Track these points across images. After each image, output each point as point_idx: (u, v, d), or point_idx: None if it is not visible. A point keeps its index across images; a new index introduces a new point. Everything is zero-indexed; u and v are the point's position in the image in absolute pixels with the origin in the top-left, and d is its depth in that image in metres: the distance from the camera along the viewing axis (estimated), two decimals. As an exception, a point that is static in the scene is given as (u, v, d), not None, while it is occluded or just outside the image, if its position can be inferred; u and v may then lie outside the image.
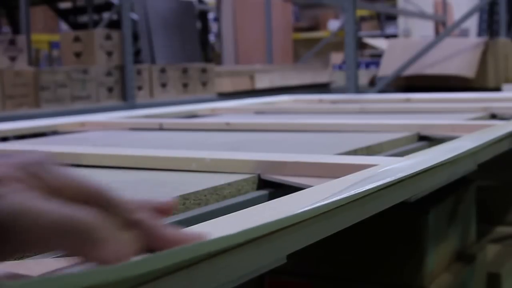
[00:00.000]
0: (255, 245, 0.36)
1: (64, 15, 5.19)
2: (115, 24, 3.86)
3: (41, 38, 5.69)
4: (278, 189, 0.63)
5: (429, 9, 5.95)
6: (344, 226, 0.45)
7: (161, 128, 1.21)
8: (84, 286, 0.25)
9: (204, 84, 3.61)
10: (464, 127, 0.98)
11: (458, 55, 3.26)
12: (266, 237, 0.37)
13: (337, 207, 0.45)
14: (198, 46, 3.89)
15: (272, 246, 0.37)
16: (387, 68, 3.46)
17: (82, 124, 1.30)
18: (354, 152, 0.81)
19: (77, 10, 5.04)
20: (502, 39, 3.53)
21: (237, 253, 0.35)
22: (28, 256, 0.43)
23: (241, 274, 0.34)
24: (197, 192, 0.57)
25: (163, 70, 3.40)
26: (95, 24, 4.53)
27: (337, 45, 5.26)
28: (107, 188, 0.33)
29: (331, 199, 0.45)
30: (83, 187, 0.33)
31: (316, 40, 6.05)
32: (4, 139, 1.51)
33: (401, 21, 6.83)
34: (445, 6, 5.51)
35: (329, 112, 1.54)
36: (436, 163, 0.61)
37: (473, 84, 3.14)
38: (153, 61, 3.50)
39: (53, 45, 5.73)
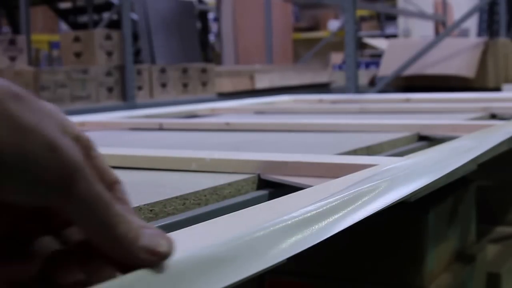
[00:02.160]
0: (256, 249, 0.36)
1: (64, 15, 5.19)
2: (115, 24, 3.86)
3: (41, 38, 5.69)
4: (278, 189, 0.63)
5: (429, 9, 5.95)
6: (344, 226, 0.45)
7: (161, 128, 1.21)
8: None
9: (204, 84, 3.61)
10: (464, 127, 0.98)
11: (458, 55, 3.26)
12: (266, 237, 0.37)
13: (337, 207, 0.45)
14: (198, 46, 3.89)
15: (272, 250, 0.37)
16: (387, 68, 3.46)
17: (82, 124, 1.30)
18: (354, 152, 0.81)
19: (77, 10, 5.04)
20: (502, 39, 3.53)
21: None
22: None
23: (241, 277, 0.34)
24: (197, 192, 0.57)
25: (163, 70, 3.40)
26: (95, 24, 4.53)
27: (337, 45, 5.26)
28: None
29: (331, 199, 0.45)
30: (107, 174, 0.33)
31: (316, 40, 6.05)
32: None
33: (401, 21, 6.83)
34: (445, 6, 5.50)
35: (329, 112, 1.54)
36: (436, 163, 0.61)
37: (473, 84, 3.14)
38: (153, 61, 3.50)
39: (53, 45, 5.73)
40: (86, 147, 0.31)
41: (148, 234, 0.30)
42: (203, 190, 0.57)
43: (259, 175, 0.65)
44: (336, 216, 0.44)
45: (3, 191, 0.27)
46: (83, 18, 4.92)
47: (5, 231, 0.30)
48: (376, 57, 5.07)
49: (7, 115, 0.26)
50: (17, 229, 0.30)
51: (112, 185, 0.32)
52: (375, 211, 0.48)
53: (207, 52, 4.52)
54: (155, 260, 0.29)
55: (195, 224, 0.40)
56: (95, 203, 0.28)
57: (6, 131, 0.26)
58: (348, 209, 0.46)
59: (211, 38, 5.54)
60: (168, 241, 0.30)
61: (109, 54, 3.20)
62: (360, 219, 0.46)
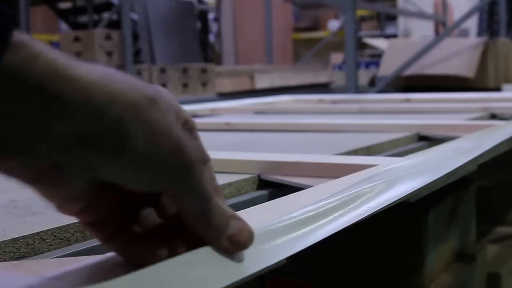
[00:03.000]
0: (256, 249, 0.36)
1: (64, 15, 5.20)
2: (115, 24, 3.86)
3: (41, 38, 5.69)
4: (278, 189, 0.63)
5: (429, 9, 5.95)
6: (344, 226, 0.45)
7: (161, 128, 1.21)
8: None
9: (204, 84, 3.61)
10: (464, 127, 0.98)
11: (458, 55, 3.26)
12: (267, 241, 0.37)
13: (337, 207, 0.45)
14: (198, 46, 3.89)
15: (273, 250, 0.37)
16: (387, 68, 3.46)
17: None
18: (354, 152, 0.81)
19: (77, 10, 5.04)
20: (502, 39, 3.53)
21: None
22: (27, 256, 0.43)
23: (241, 277, 0.34)
24: (197, 192, 0.56)
25: (163, 70, 3.40)
26: (95, 24, 4.53)
27: (337, 45, 5.26)
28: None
29: (331, 199, 0.45)
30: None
31: (316, 40, 6.04)
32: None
33: (401, 21, 6.83)
34: (445, 6, 5.50)
35: (329, 112, 1.54)
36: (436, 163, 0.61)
37: (473, 84, 3.14)
38: (153, 61, 3.50)
39: (53, 45, 5.73)
40: (192, 128, 0.35)
41: (235, 225, 0.34)
42: (203, 190, 0.57)
43: (259, 175, 0.65)
44: (336, 215, 0.44)
45: (132, 181, 0.31)
46: (83, 18, 4.92)
47: (119, 202, 0.34)
48: (376, 57, 5.07)
49: (145, 121, 0.30)
50: (128, 201, 0.35)
51: (205, 163, 0.35)
52: (375, 212, 0.48)
53: (207, 52, 4.51)
54: (235, 249, 0.34)
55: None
56: (201, 194, 0.33)
57: (144, 135, 0.30)
58: (348, 209, 0.46)
59: (211, 38, 5.54)
60: (250, 234, 0.34)
61: (109, 54, 3.20)
62: (360, 220, 0.46)
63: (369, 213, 0.47)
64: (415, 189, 0.55)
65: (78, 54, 3.24)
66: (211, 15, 5.70)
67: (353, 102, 1.81)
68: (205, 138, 0.37)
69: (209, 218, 0.33)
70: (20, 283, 0.33)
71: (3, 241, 0.42)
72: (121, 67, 3.20)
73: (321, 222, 0.42)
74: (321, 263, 1.04)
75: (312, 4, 7.14)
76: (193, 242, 0.34)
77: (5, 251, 0.42)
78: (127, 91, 0.30)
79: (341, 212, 0.45)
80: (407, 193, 0.53)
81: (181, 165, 0.32)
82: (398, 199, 0.51)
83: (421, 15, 5.41)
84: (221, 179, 0.62)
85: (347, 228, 0.46)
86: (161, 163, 0.31)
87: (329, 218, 0.43)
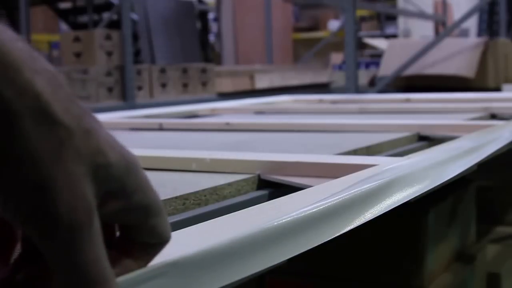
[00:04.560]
0: (256, 249, 0.36)
1: (64, 15, 5.19)
2: (115, 24, 3.86)
3: (41, 38, 5.69)
4: (278, 189, 0.63)
5: (429, 9, 5.95)
6: (344, 230, 0.45)
7: (161, 128, 1.21)
8: None
9: (204, 84, 3.60)
10: (464, 127, 0.98)
11: (458, 55, 3.26)
12: (267, 241, 0.37)
13: (337, 208, 0.45)
14: (198, 46, 3.89)
15: (273, 250, 0.37)
16: (387, 68, 3.45)
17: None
18: (354, 152, 0.81)
19: (77, 10, 5.03)
20: (502, 39, 3.53)
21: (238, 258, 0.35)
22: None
23: (241, 277, 0.34)
24: (197, 192, 0.57)
25: (163, 70, 3.40)
26: (95, 24, 4.53)
27: (337, 45, 5.25)
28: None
29: (331, 199, 0.45)
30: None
31: (316, 40, 6.04)
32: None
33: (401, 21, 6.83)
34: (445, 6, 5.50)
35: (329, 112, 1.54)
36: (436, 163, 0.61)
37: (473, 84, 3.14)
38: (153, 61, 3.50)
39: (53, 45, 5.73)
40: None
41: None
42: (203, 190, 0.57)
43: (259, 175, 0.65)
44: (336, 219, 0.44)
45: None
46: (83, 18, 4.92)
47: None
48: (376, 57, 5.07)
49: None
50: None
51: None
52: (376, 215, 0.48)
53: (207, 52, 4.51)
54: None
55: (195, 224, 0.40)
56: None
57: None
58: (349, 210, 0.46)
59: (211, 38, 5.54)
60: None
61: (109, 54, 3.20)
62: (361, 222, 0.46)
63: (371, 216, 0.47)
64: (415, 189, 0.55)
65: (78, 54, 3.24)
66: (211, 15, 5.70)
67: (353, 102, 1.81)
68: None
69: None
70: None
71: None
72: (121, 67, 3.20)
73: (321, 224, 0.42)
74: (321, 263, 1.04)
75: (312, 4, 7.14)
76: None
77: (5, 251, 0.42)
78: None
79: (341, 213, 0.45)
80: (407, 194, 0.53)
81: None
82: (399, 200, 0.51)
83: (421, 15, 5.40)
84: (221, 179, 0.62)
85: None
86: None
87: (329, 220, 0.43)
